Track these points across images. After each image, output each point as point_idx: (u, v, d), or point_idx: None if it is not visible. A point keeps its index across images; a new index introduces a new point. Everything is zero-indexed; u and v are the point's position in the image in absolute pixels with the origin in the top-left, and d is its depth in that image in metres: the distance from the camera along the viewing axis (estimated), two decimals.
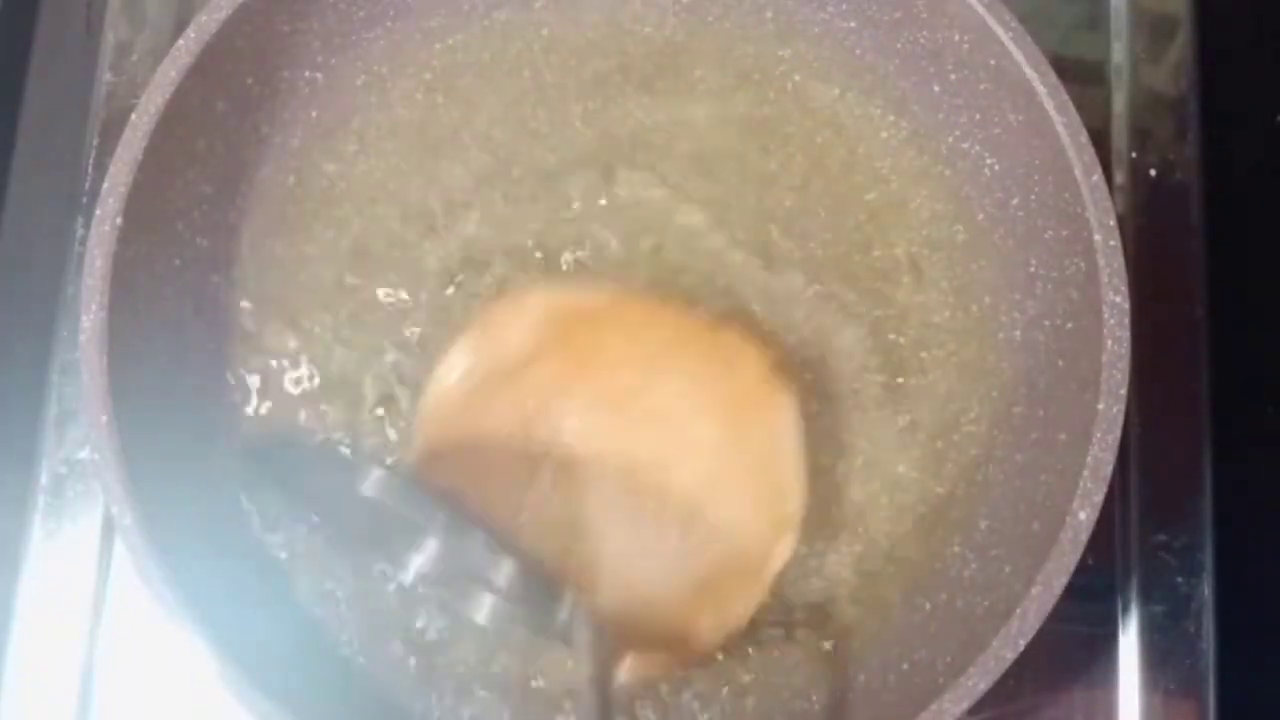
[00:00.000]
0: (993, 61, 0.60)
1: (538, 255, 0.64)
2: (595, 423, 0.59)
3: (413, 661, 0.61)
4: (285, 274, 0.64)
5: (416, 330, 0.63)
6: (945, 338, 0.63)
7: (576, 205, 0.65)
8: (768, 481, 0.58)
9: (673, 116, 0.66)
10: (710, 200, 0.65)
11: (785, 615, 0.60)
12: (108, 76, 0.69)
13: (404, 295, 0.64)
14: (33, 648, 0.63)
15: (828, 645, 0.60)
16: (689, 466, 0.59)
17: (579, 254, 0.64)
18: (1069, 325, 0.59)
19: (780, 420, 0.59)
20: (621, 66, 0.66)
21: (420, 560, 0.57)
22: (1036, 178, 0.60)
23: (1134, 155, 0.68)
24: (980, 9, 0.59)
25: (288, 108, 0.65)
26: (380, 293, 0.64)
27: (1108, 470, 0.55)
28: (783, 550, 0.58)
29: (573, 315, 0.60)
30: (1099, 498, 0.55)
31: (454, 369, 0.60)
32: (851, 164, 0.65)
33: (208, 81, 0.60)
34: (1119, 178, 0.68)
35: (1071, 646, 0.62)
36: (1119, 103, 0.69)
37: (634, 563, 0.58)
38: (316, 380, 0.63)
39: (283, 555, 0.62)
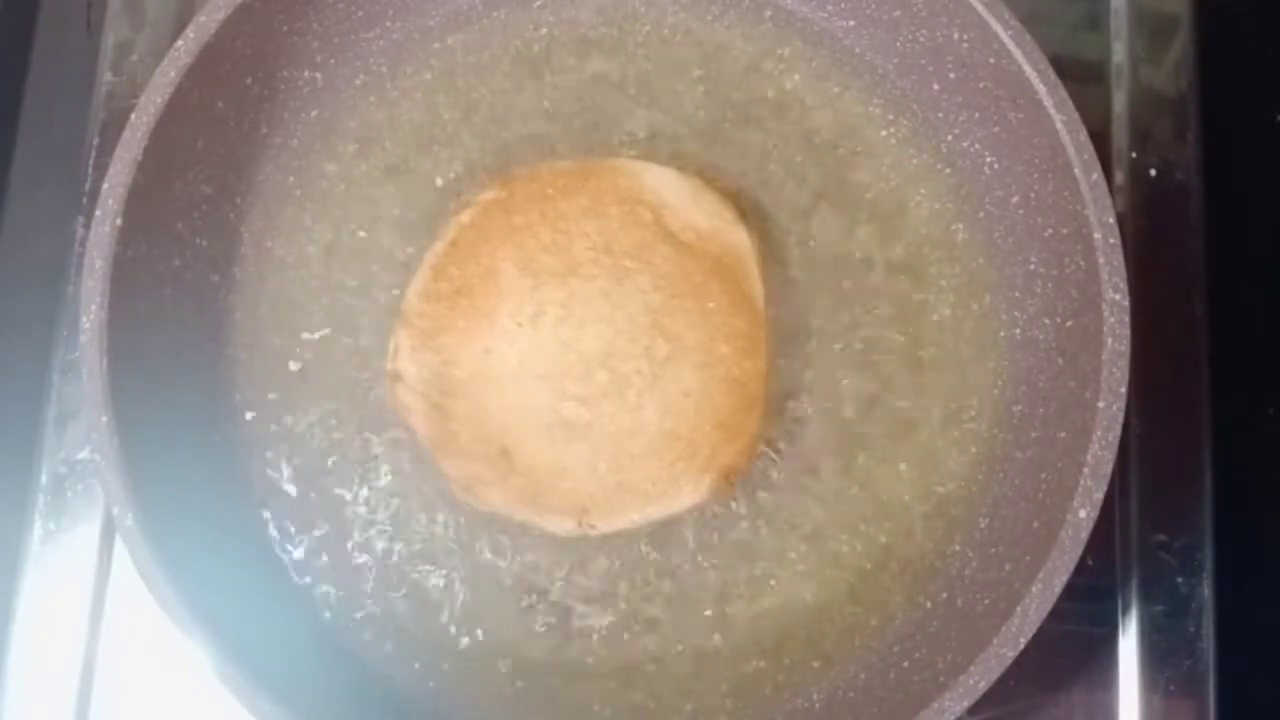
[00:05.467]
0: (992, 60, 0.60)
1: None
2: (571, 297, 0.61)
3: (415, 660, 0.61)
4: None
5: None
6: (945, 336, 0.63)
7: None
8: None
9: (672, 115, 0.66)
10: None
11: None
12: (108, 76, 0.69)
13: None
14: (33, 648, 0.63)
15: None
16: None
17: None
18: (1069, 323, 0.59)
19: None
20: (620, 66, 0.66)
21: None
22: (1036, 176, 0.61)
23: (1134, 155, 0.68)
24: (980, 7, 0.59)
25: (287, 108, 0.65)
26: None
27: (1108, 468, 0.55)
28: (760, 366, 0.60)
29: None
30: (1099, 496, 0.55)
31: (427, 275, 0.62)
32: (851, 163, 0.65)
33: (207, 81, 0.60)
34: (1119, 178, 0.68)
35: (1071, 646, 0.62)
36: (1119, 103, 0.69)
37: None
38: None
39: (285, 555, 0.62)
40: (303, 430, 0.63)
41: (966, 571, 0.60)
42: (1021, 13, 0.59)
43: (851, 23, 0.66)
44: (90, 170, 0.67)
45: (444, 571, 0.61)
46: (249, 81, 0.63)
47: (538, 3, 0.67)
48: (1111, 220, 0.57)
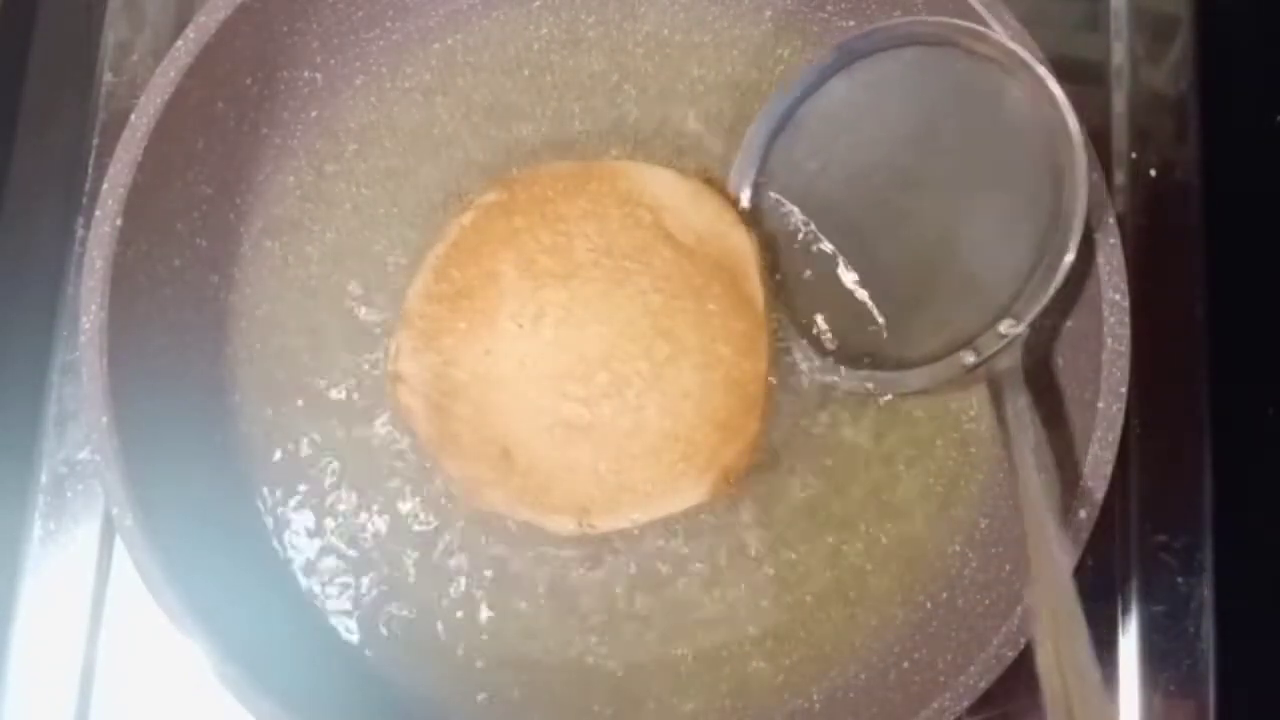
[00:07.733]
0: None
1: None
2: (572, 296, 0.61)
3: (415, 660, 0.61)
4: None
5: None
6: None
7: None
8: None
9: (671, 116, 0.66)
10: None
11: None
12: (108, 76, 0.69)
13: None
14: (33, 648, 0.63)
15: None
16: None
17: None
18: (1068, 323, 0.59)
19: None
20: (619, 65, 0.66)
21: None
22: None
23: (1134, 155, 0.68)
24: (979, 8, 0.59)
25: (287, 108, 0.65)
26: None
27: (1108, 468, 0.55)
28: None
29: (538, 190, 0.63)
30: (1099, 496, 0.55)
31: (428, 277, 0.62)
32: None
33: (207, 81, 0.60)
34: (1119, 178, 0.68)
35: None
36: (1119, 103, 0.69)
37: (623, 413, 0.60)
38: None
39: (285, 555, 0.62)
40: (303, 431, 0.63)
41: (966, 571, 0.60)
42: (1021, 13, 0.59)
43: (851, 23, 0.66)
44: (90, 170, 0.67)
45: (443, 571, 0.61)
46: (249, 81, 0.63)
47: (537, 3, 0.67)
48: (1111, 220, 0.57)
